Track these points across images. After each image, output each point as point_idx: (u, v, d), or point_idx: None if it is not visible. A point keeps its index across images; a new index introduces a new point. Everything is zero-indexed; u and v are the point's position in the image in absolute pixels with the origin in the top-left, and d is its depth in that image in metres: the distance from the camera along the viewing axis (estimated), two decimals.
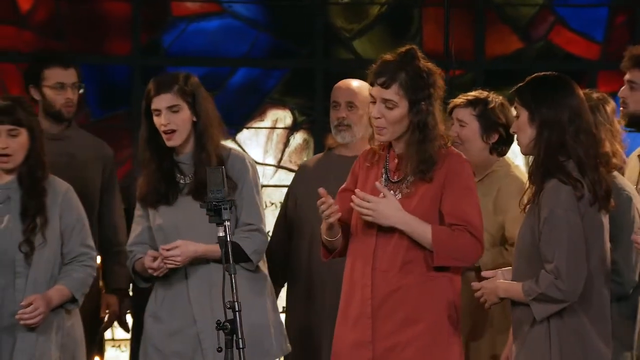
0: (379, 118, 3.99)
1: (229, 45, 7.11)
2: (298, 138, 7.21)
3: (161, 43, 7.09)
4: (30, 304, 4.34)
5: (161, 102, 4.40)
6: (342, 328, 4.06)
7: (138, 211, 4.53)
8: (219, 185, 3.88)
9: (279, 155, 7.19)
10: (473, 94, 4.70)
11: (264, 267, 4.55)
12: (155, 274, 4.37)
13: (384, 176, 4.06)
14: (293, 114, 7.21)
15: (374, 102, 4.01)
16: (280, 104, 7.20)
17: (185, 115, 4.42)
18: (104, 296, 5.26)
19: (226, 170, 4.31)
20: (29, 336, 4.38)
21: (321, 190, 3.98)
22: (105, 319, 5.29)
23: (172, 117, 4.40)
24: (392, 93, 3.97)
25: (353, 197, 3.97)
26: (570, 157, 3.84)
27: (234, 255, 4.25)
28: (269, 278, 4.56)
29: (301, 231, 5.06)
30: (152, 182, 4.43)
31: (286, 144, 7.20)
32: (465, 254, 3.97)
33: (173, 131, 4.41)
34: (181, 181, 4.44)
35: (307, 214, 4.96)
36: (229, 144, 6.99)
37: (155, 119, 4.43)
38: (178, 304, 4.40)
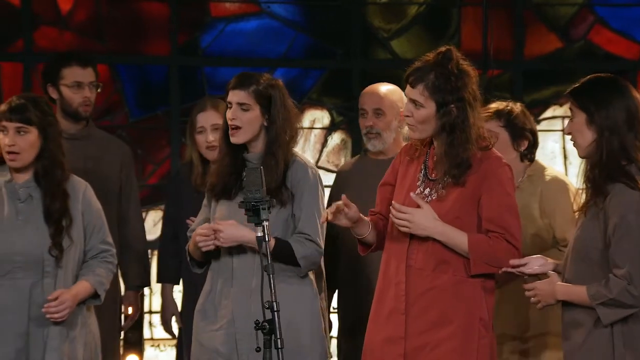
0: (408, 116, 4.01)
1: (267, 46, 7.12)
2: (336, 138, 7.21)
3: (199, 43, 7.11)
4: (56, 298, 4.36)
5: (234, 96, 4.41)
6: (375, 323, 4.07)
7: (205, 200, 4.54)
8: (258, 185, 3.88)
9: (317, 156, 7.19)
10: (493, 106, 4.69)
11: (312, 278, 4.49)
12: (200, 245, 4.34)
13: (422, 172, 4.06)
14: (331, 114, 7.21)
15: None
16: (318, 104, 7.20)
17: (253, 115, 4.40)
18: (125, 294, 5.29)
19: (286, 178, 4.36)
20: (58, 334, 4.40)
21: (343, 197, 4.05)
22: (124, 317, 5.32)
23: (239, 113, 4.39)
24: (417, 93, 3.99)
25: (391, 209, 3.99)
26: (631, 161, 3.82)
27: (284, 257, 4.30)
28: (316, 290, 4.49)
29: (344, 235, 5.07)
30: (222, 175, 4.45)
31: (324, 144, 7.19)
32: (501, 261, 3.96)
33: (237, 128, 4.40)
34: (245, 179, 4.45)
35: None
36: None
37: (227, 112, 4.44)
38: (222, 302, 4.40)
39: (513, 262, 3.95)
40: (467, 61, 4.03)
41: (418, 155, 4.09)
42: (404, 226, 3.96)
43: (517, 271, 3.96)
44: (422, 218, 3.95)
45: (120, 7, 7.00)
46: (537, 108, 7.04)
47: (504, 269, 3.95)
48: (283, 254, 4.32)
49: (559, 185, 4.55)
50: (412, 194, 4.00)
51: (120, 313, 5.30)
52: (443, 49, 4.04)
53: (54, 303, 4.35)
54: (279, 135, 4.39)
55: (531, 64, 7.14)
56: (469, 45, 7.03)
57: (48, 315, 4.36)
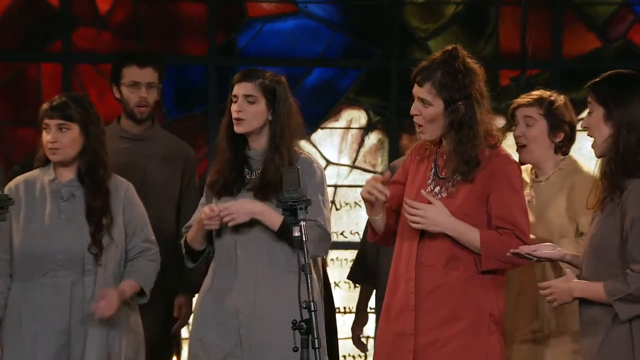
0: (416, 115, 4.01)
1: (304, 46, 7.12)
2: (373, 138, 7.20)
3: (236, 43, 7.12)
4: (104, 296, 4.39)
5: (240, 89, 4.43)
6: (386, 319, 4.09)
7: (202, 198, 4.54)
8: (295, 185, 3.88)
9: (354, 156, 7.18)
10: (536, 93, 4.67)
11: (316, 269, 4.47)
12: (204, 222, 4.33)
13: (432, 170, 4.08)
14: (368, 114, 7.20)
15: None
16: (355, 104, 7.20)
17: (259, 108, 4.41)
18: (178, 297, 5.30)
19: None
20: (98, 333, 4.43)
21: (387, 173, 4.09)
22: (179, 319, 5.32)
23: (245, 106, 4.40)
24: (425, 92, 4.00)
25: (404, 205, 4.01)
26: None
27: (291, 237, 4.27)
28: (316, 281, 4.44)
29: None
30: (222, 172, 4.45)
31: (361, 144, 7.19)
32: (512, 258, 3.96)
33: (243, 120, 4.41)
34: (247, 176, 4.45)
35: None
36: (303, 144, 7.10)
37: (232, 106, 4.44)
38: (225, 297, 4.39)
39: (522, 248, 3.95)
40: (473, 59, 4.04)
41: (428, 155, 4.11)
42: (416, 222, 3.98)
43: (526, 253, 3.94)
44: (435, 214, 3.97)
45: (158, 7, 7.03)
46: (575, 108, 6.99)
47: (512, 251, 3.94)
48: (290, 233, 4.30)
49: (592, 181, 4.53)
50: (422, 191, 4.02)
51: (173, 315, 5.30)
52: (449, 47, 4.04)
53: (102, 301, 4.38)
54: (284, 131, 4.40)
55: (569, 64, 7.10)
56: (507, 44, 7.00)
57: (96, 313, 4.38)
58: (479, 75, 4.02)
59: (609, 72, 3.93)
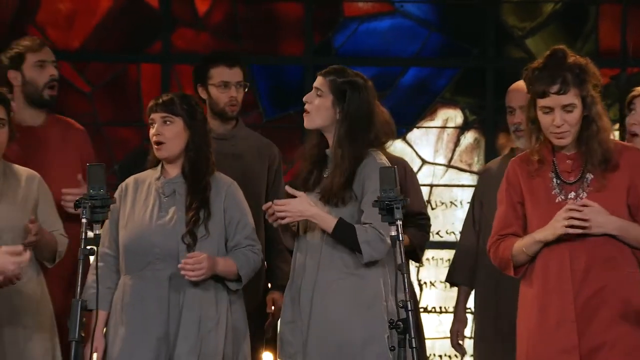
0: (562, 125, 3.94)
1: (400, 45, 7.12)
2: (469, 137, 7.16)
3: (333, 43, 7.15)
4: (194, 257, 4.38)
5: (316, 81, 4.45)
6: (541, 334, 3.94)
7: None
8: (391, 184, 3.88)
9: (450, 155, 7.15)
10: None
11: (375, 274, 4.37)
12: (270, 218, 4.37)
13: (555, 181, 3.98)
14: (464, 113, 7.17)
15: (548, 112, 3.94)
16: (451, 103, 7.17)
17: (323, 103, 4.39)
18: (270, 293, 5.34)
19: (356, 172, 4.32)
20: (191, 324, 4.43)
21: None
22: (271, 315, 5.36)
23: (314, 97, 4.41)
24: (571, 96, 3.93)
25: (565, 214, 3.86)
26: None
27: (346, 240, 4.27)
28: (380, 292, 4.37)
29: (487, 235, 5.03)
30: (304, 166, 4.47)
31: (457, 143, 7.16)
32: None
33: (308, 113, 4.42)
34: (324, 174, 4.45)
35: (492, 217, 4.92)
36: (399, 143, 7.11)
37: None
38: (293, 296, 4.43)
39: None
40: (574, 54, 3.98)
41: (538, 167, 4.00)
42: (581, 227, 3.86)
43: None
44: (599, 215, 3.87)
45: (256, 7, 7.08)
46: None
47: None
48: (346, 236, 4.28)
49: None
50: (570, 201, 3.90)
51: (265, 311, 5.34)
52: (551, 51, 3.98)
53: (191, 260, 4.38)
54: (350, 132, 4.36)
55: None
56: (606, 43, 6.91)
57: (183, 272, 4.38)
58: (590, 64, 3.98)
59: None
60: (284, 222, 4.35)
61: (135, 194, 4.57)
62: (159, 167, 4.61)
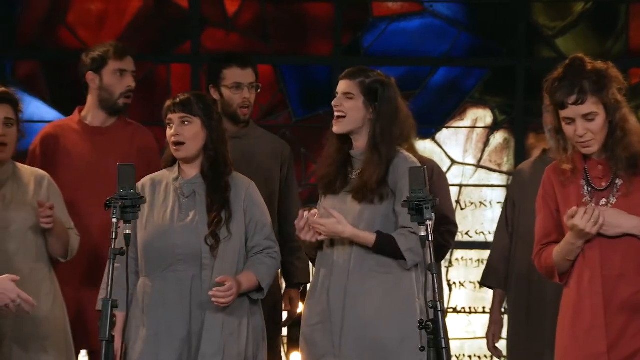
0: (584, 134, 3.91)
1: (430, 45, 7.11)
2: (498, 137, 7.14)
3: (362, 43, 7.14)
4: (224, 283, 4.40)
5: (341, 86, 4.47)
6: (573, 339, 3.92)
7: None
8: (421, 185, 3.87)
9: (479, 155, 7.14)
10: None
11: (408, 272, 4.40)
12: (300, 235, 4.40)
13: (586, 188, 3.95)
14: (493, 113, 7.15)
15: (570, 123, 3.92)
16: (480, 103, 7.15)
17: (356, 105, 4.42)
18: (286, 291, 5.35)
19: (388, 174, 4.33)
20: (215, 326, 4.44)
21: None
22: (285, 313, 5.37)
23: (345, 101, 4.43)
24: (590, 104, 3.89)
25: (578, 221, 3.84)
26: None
27: (388, 251, 4.30)
28: (413, 290, 4.40)
29: (521, 236, 5.02)
30: (328, 169, 4.48)
31: (486, 143, 7.14)
32: None
33: (340, 118, 4.43)
34: (350, 175, 4.46)
35: (525, 218, 4.91)
36: (428, 143, 7.10)
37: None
38: (321, 297, 4.44)
39: None
40: (593, 61, 3.95)
41: (570, 176, 3.97)
42: (595, 229, 3.84)
43: None
44: (613, 216, 3.85)
45: (285, 8, 7.09)
46: None
47: None
48: (387, 247, 4.31)
49: None
50: (590, 205, 3.87)
51: (281, 310, 5.36)
52: (569, 60, 3.95)
53: (223, 288, 4.39)
54: (384, 131, 4.38)
55: None
56: (637, 42, 6.87)
57: (214, 299, 4.39)
58: (611, 68, 3.95)
59: None
60: (320, 238, 4.37)
61: (153, 195, 4.57)
62: (176, 167, 4.60)
